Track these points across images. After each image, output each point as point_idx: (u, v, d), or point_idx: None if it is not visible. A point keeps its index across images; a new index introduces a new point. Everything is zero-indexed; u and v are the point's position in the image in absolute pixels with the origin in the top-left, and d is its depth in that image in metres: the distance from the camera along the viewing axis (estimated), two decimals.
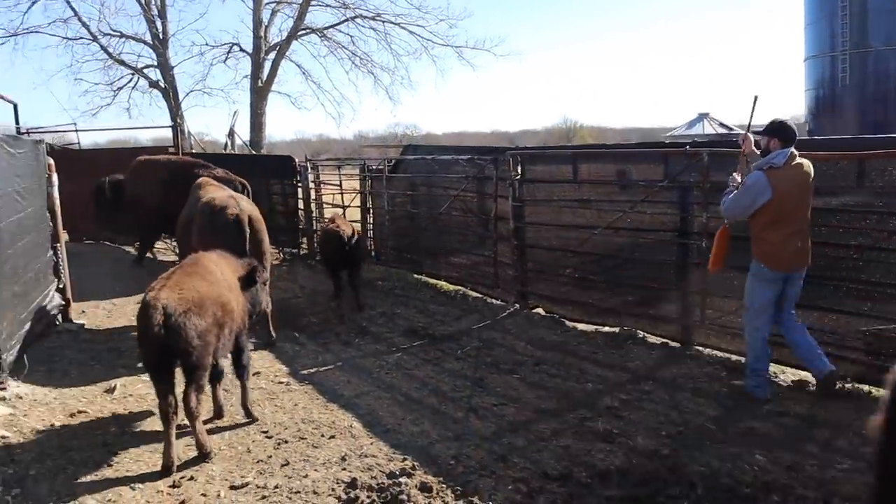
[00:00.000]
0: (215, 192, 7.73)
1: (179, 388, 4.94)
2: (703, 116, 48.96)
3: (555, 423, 5.58)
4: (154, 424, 5.50)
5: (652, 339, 7.62)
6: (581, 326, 8.33)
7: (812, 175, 5.72)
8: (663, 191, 7.47)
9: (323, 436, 5.38)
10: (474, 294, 10.27)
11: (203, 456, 4.89)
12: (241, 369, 5.75)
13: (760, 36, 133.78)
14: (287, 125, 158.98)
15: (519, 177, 9.10)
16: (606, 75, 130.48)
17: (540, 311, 9.03)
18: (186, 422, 4.97)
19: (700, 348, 7.17)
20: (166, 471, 4.69)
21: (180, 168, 12.47)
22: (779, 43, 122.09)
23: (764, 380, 5.98)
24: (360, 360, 7.41)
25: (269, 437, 5.37)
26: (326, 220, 11.58)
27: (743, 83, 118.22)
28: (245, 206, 7.35)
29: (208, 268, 5.33)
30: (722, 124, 46.45)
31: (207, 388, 5.18)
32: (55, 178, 8.58)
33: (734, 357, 6.72)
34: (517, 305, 9.27)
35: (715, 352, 7.03)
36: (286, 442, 5.27)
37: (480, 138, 75.05)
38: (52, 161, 8.58)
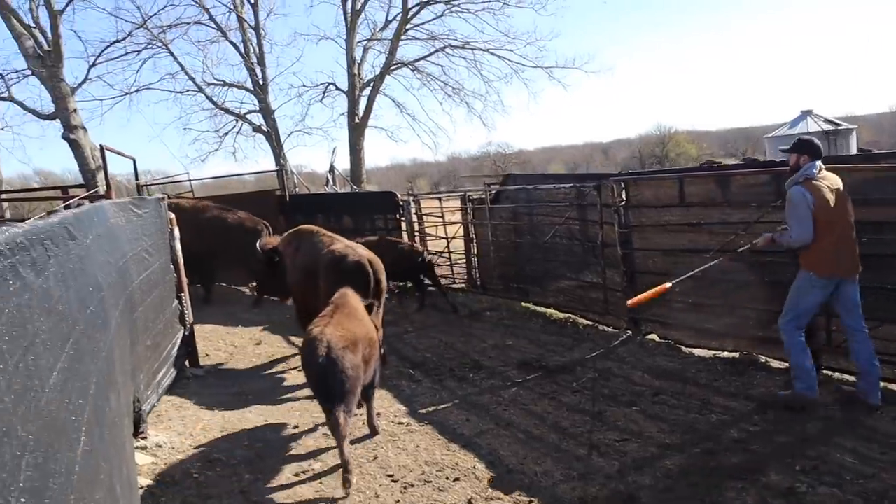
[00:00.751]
0: (333, 243, 8.29)
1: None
2: (806, 114, 46.82)
3: (680, 458, 5.45)
4: (286, 470, 5.72)
5: (774, 363, 7.32)
6: (698, 352, 8.11)
7: (841, 185, 6.00)
8: (776, 209, 7.20)
9: (447, 478, 5.43)
10: (585, 321, 10.16)
11: (346, 482, 5.17)
12: (370, 390, 6.41)
13: (863, 24, 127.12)
14: (382, 152, 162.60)
15: (623, 202, 9.00)
16: (699, 76, 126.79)
17: (654, 337, 8.85)
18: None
19: (828, 372, 6.84)
20: (345, 466, 5.23)
21: (200, 209, 13.70)
22: (884, 29, 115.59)
23: (813, 378, 6.11)
24: (477, 396, 7.45)
25: (395, 481, 5.45)
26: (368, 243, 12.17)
27: (847, 74, 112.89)
28: (363, 252, 7.96)
29: (356, 307, 6.27)
30: (828, 121, 44.27)
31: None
32: (176, 231, 9.06)
33: None
34: (630, 332, 9.12)
35: (845, 375, 6.69)
36: (412, 486, 5.35)
37: (573, 151, 74.86)
38: (172, 215, 9.08)
